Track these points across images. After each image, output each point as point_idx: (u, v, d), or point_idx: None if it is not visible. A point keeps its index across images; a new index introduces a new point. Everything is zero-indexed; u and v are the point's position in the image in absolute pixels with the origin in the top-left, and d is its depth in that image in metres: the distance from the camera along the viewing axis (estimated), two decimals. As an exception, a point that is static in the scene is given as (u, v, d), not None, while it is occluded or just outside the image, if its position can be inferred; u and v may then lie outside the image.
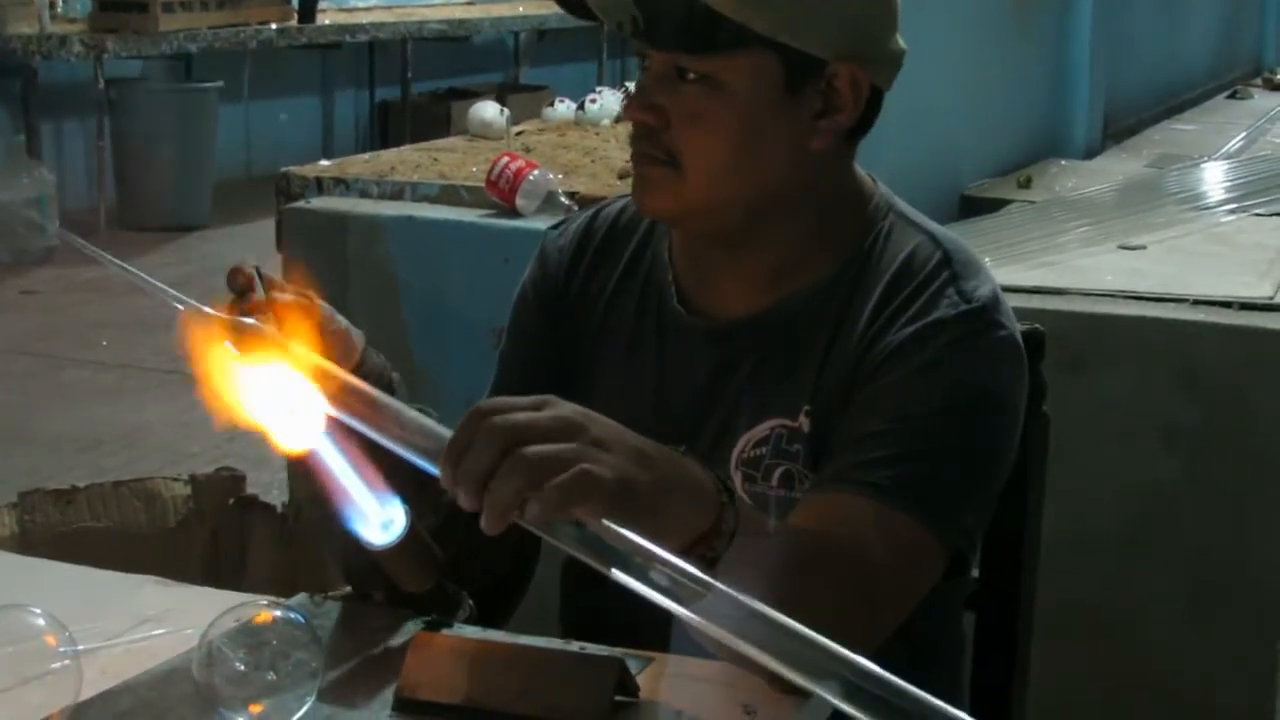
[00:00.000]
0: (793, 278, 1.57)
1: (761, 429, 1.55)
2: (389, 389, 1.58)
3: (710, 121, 1.49)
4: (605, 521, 1.13)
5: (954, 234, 1.61)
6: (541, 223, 2.66)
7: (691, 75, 1.49)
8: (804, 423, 1.54)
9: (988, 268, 1.59)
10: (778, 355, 1.57)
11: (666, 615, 1.08)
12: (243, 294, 1.44)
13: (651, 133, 1.52)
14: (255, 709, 1.23)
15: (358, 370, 1.54)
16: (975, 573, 1.73)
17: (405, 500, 1.31)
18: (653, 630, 1.31)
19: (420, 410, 1.30)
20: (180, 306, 1.31)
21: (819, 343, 1.54)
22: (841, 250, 1.57)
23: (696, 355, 1.61)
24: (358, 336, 1.58)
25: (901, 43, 1.57)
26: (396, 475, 1.28)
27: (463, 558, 1.49)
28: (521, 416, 1.19)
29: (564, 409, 1.22)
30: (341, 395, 1.24)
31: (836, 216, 1.58)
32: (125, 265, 1.36)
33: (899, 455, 1.44)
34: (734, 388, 1.58)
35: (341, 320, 1.56)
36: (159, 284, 1.33)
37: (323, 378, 1.25)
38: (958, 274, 1.53)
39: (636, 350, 1.65)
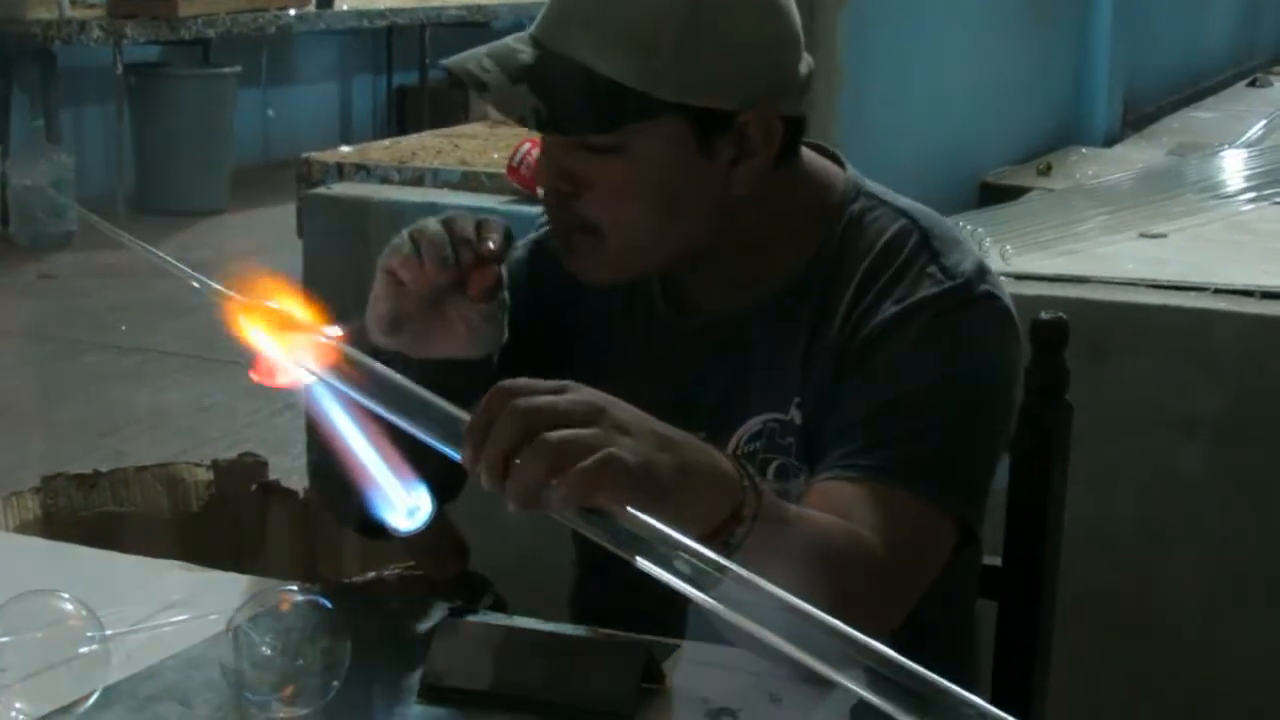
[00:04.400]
0: (767, 274, 1.56)
1: (753, 423, 1.55)
2: None
3: (623, 190, 1.47)
4: (630, 509, 1.13)
5: (928, 209, 1.59)
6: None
7: (598, 146, 1.46)
8: (795, 415, 1.53)
9: (968, 239, 1.57)
10: (762, 349, 1.56)
11: (679, 605, 1.08)
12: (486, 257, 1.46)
13: (565, 200, 1.50)
14: (282, 694, 1.24)
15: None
16: (998, 561, 1.73)
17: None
18: (666, 620, 1.31)
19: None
20: (197, 285, 1.31)
21: (802, 333, 1.54)
22: (811, 243, 1.56)
23: (683, 352, 1.60)
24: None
25: (810, 62, 1.54)
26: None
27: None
28: (543, 399, 1.18)
29: (585, 393, 1.22)
30: (355, 376, 1.23)
31: (795, 219, 1.57)
32: (146, 246, 1.35)
33: (894, 436, 1.44)
34: (722, 383, 1.58)
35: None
36: (177, 264, 1.33)
37: (334, 357, 1.25)
38: (938, 251, 1.52)
39: (621, 349, 1.63)
